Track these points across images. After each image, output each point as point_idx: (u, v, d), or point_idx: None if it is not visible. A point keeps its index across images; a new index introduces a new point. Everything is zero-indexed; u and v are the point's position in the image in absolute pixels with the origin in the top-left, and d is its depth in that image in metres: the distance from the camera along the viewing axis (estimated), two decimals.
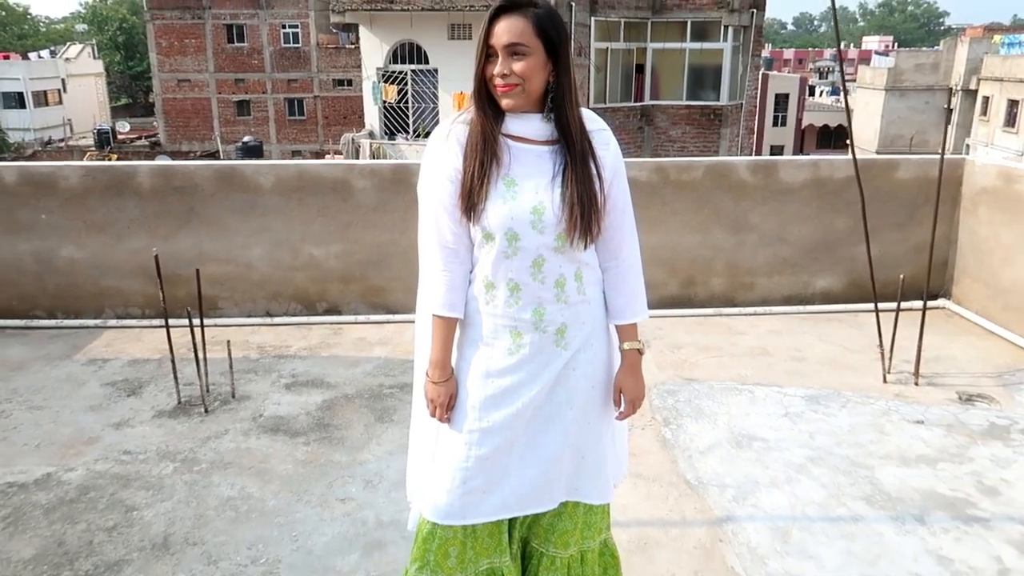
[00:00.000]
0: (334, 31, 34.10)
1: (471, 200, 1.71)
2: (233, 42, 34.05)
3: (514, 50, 1.67)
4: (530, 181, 1.73)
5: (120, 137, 38.74)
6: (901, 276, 3.92)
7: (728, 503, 2.78)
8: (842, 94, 4.30)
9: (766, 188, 4.75)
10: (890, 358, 3.87)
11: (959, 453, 3.13)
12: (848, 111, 4.08)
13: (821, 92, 55.70)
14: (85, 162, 5.06)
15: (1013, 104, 32.72)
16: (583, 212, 1.71)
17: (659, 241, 4.73)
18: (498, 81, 1.69)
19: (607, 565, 2.08)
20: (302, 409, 3.52)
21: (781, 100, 40.81)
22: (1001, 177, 4.48)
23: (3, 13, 64.18)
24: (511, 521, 1.96)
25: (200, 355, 3.51)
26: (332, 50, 33.51)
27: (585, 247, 1.77)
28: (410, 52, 14.45)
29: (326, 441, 3.23)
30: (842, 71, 3.97)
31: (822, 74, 74.49)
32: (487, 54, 1.70)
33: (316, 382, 3.80)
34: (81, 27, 67.60)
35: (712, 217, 4.75)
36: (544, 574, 1.99)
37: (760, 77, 19.04)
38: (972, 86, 35.77)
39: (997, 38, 37.93)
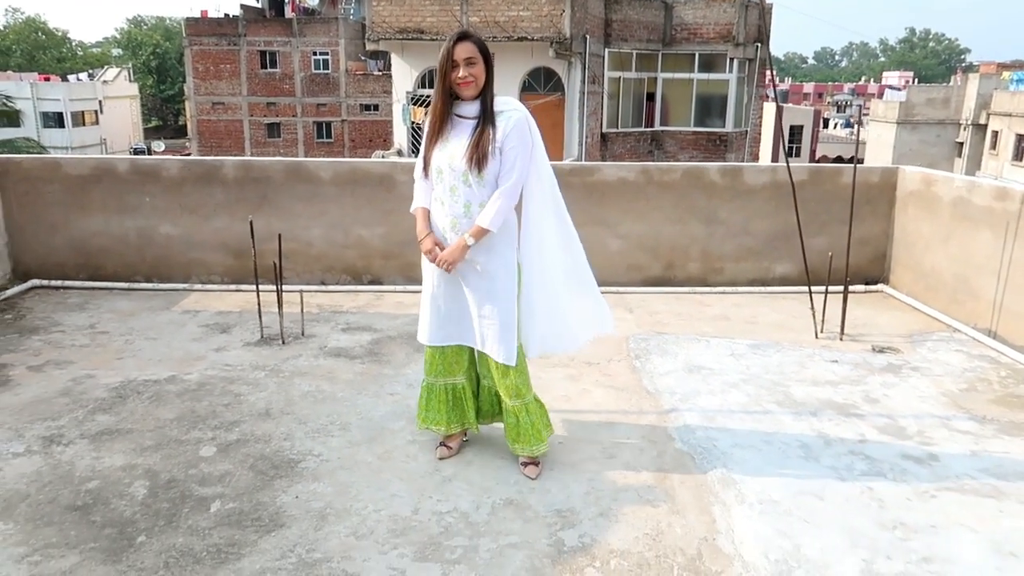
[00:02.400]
0: (363, 59, 35.74)
1: (426, 154, 2.89)
2: (266, 67, 35.75)
3: (469, 60, 2.79)
4: (457, 140, 2.84)
5: (155, 156, 40.41)
6: (830, 255, 4.90)
7: (675, 402, 3.77)
8: (856, 127, 5.32)
9: (733, 188, 5.77)
10: (822, 322, 4.84)
11: (858, 379, 4.10)
12: (777, 123, 5.04)
13: (835, 124, 56.67)
14: (182, 157, 6.17)
15: (1021, 138, 33.54)
16: (474, 156, 2.78)
17: (644, 230, 5.74)
18: (459, 79, 2.79)
19: (539, 410, 3.11)
20: (357, 343, 4.55)
21: (796, 131, 41.81)
22: (923, 182, 5.47)
23: (44, 37, 66.77)
24: (469, 357, 3.09)
25: (280, 302, 4.56)
26: (360, 76, 35.08)
27: (481, 177, 2.78)
28: None
29: (376, 362, 4.25)
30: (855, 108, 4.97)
31: (839, 107, 75.40)
32: (452, 65, 2.80)
33: (366, 327, 4.84)
34: (117, 51, 70.05)
35: (688, 212, 5.77)
36: (487, 400, 3.18)
37: (775, 109, 20.06)
38: (982, 121, 36.63)
39: (1006, 74, 38.84)
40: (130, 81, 54.02)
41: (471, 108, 2.84)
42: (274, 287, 4.57)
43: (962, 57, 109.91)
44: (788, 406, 3.74)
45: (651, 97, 18.04)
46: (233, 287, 5.63)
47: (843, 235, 5.81)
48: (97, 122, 46.23)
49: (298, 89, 35.63)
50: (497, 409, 3.19)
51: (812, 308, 4.83)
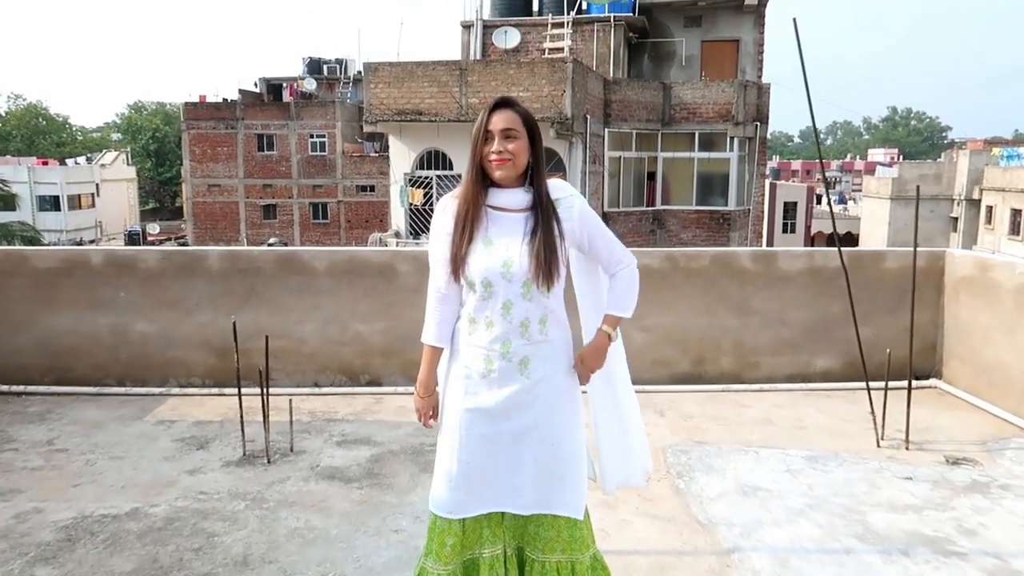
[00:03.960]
0: (359, 140, 36.00)
1: (457, 257, 2.24)
2: (263, 150, 35.92)
3: (508, 134, 2.23)
4: (503, 240, 2.24)
5: (150, 238, 40.26)
6: (888, 351, 4.36)
7: (735, 538, 3.15)
8: (825, 197, 4.84)
9: (766, 275, 5.28)
10: (882, 426, 4.26)
11: (943, 503, 3.50)
12: (831, 205, 4.59)
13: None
14: (164, 247, 5.68)
15: (1016, 213, 33.64)
16: (545, 263, 2.21)
17: (671, 322, 5.22)
18: (494, 157, 2.23)
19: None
20: (353, 461, 3.94)
21: (790, 208, 42.03)
22: (977, 267, 4.99)
23: (44, 123, 67.72)
24: (502, 524, 2.37)
25: (266, 413, 3.97)
26: (356, 158, 35.25)
27: (549, 290, 2.24)
28: (435, 159, 15.46)
29: (377, 486, 3.64)
30: (821, 176, 4.53)
31: (829, 184, 76.58)
32: (485, 138, 2.25)
33: (364, 440, 4.24)
34: (117, 136, 71.10)
35: (718, 301, 5.26)
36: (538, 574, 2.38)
37: (768, 186, 19.94)
38: (975, 196, 36.88)
39: (996, 150, 39.38)
40: (128, 164, 54.47)
41: (514, 197, 2.27)
42: (260, 391, 3.98)
43: (943, 135, 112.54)
44: (872, 541, 3.13)
45: (652, 176, 17.85)
46: (216, 391, 5.04)
47: (888, 325, 5.30)
48: (93, 205, 46.30)
49: (294, 171, 35.71)
50: None
51: (872, 412, 4.26)
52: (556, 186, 2.33)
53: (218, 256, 5.10)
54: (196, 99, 38.71)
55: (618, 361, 2.53)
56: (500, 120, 2.23)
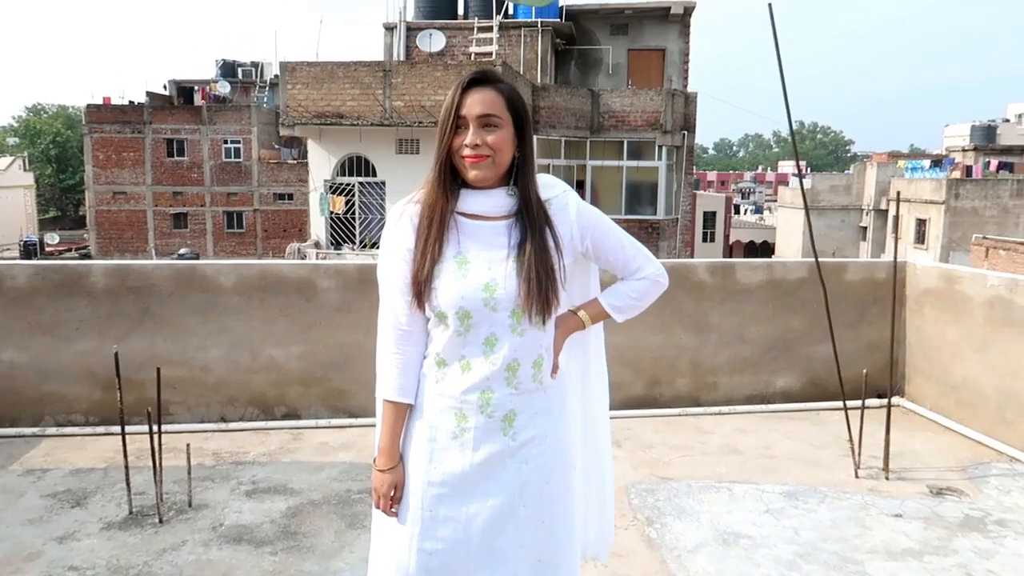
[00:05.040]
0: (276, 147, 34.66)
1: (420, 280, 1.67)
2: (173, 156, 34.17)
3: (487, 121, 1.67)
4: (482, 257, 1.69)
5: (48, 249, 37.78)
6: (864, 371, 4.01)
7: None
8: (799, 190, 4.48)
9: (724, 289, 4.89)
10: (859, 453, 3.90)
11: (942, 546, 3.12)
12: (807, 212, 4.25)
13: (745, 210, 58.73)
14: (36, 261, 4.88)
15: (921, 223, 35.15)
16: (539, 287, 1.67)
17: (623, 341, 4.76)
18: (468, 152, 1.67)
19: None
20: (265, 517, 3.30)
21: (709, 217, 42.84)
22: (943, 279, 4.72)
23: None
24: None
25: (157, 461, 3.29)
26: (274, 165, 33.92)
27: (545, 323, 1.71)
28: (358, 165, 14.73)
29: (295, 550, 3.02)
30: (800, 179, 4.18)
31: (744, 194, 79.04)
32: (456, 125, 1.68)
33: (279, 488, 3.60)
34: (13, 140, 66.96)
35: (674, 317, 4.83)
36: None
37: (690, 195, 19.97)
38: (882, 206, 38.40)
39: (901, 163, 41.07)
40: (25, 170, 51.16)
41: (493, 201, 1.72)
42: (149, 431, 3.30)
43: (847, 148, 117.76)
44: None
45: (581, 185, 17.55)
46: (102, 429, 4.29)
47: (849, 340, 4.98)
48: None
49: (207, 178, 34.05)
50: None
51: (850, 439, 3.89)
52: (543, 183, 1.79)
53: (103, 272, 4.36)
54: (100, 101, 36.53)
55: (597, 399, 2.02)
56: (477, 102, 1.67)
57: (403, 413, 1.75)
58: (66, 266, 4.39)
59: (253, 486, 3.62)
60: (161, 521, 3.23)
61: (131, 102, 36.41)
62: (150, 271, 4.40)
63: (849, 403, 3.98)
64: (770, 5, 3.34)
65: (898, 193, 4.11)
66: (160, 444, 3.36)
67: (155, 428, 3.28)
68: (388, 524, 1.78)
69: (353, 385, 4.51)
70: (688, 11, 19.39)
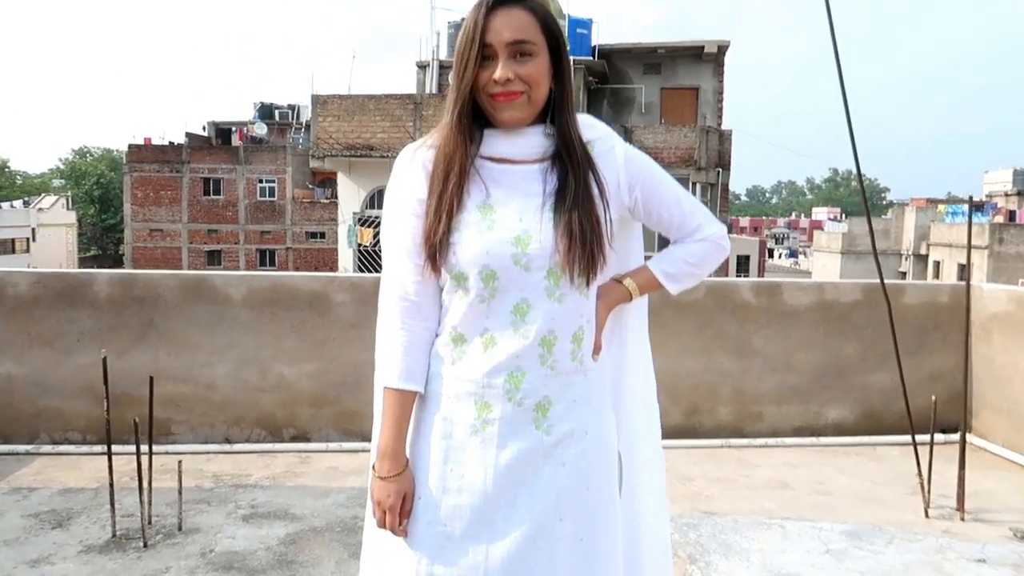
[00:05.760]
0: (310, 186, 35.05)
1: (435, 236, 1.36)
2: (209, 194, 34.70)
3: (519, 49, 1.36)
4: (511, 207, 1.38)
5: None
6: (934, 399, 3.59)
7: None
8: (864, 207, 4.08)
9: (770, 311, 4.51)
10: (928, 491, 3.46)
11: None
12: (870, 222, 3.87)
13: (779, 255, 58.03)
14: (37, 269, 4.67)
15: (962, 268, 34.21)
16: (583, 240, 1.35)
17: (659, 366, 4.33)
18: (497, 89, 1.36)
19: None
20: (261, 544, 2.96)
21: (743, 261, 42.20)
22: (1014, 302, 4.30)
23: None
24: None
25: (144, 482, 2.99)
26: (307, 204, 34.25)
27: (589, 285, 1.40)
28: None
29: None
30: (862, 186, 3.83)
31: (778, 239, 78.29)
32: (481, 56, 1.36)
33: (279, 513, 3.26)
34: (58, 182, 68.89)
35: (715, 340, 4.46)
36: None
37: None
38: (922, 251, 37.53)
39: (941, 207, 40.25)
40: (68, 209, 52.44)
41: (526, 142, 1.41)
42: (136, 450, 3.01)
43: (882, 195, 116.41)
44: None
45: None
46: (99, 448, 4.00)
47: (908, 368, 4.53)
48: (28, 250, 44.22)
49: (242, 216, 34.46)
50: None
51: (920, 474, 3.46)
52: (583, 123, 1.47)
53: (107, 281, 4.13)
54: (141, 142, 37.39)
55: (639, 392, 1.65)
56: (506, 26, 1.35)
57: (410, 404, 1.42)
58: (69, 274, 4.17)
59: (252, 510, 3.29)
60: (146, 545, 2.91)
61: (171, 143, 37.22)
62: (156, 281, 4.16)
63: (916, 439, 3.55)
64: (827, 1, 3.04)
65: (970, 198, 3.72)
66: (151, 462, 3.08)
67: (143, 447, 2.99)
68: (388, 547, 1.45)
69: (367, 407, 4.15)
70: (722, 50, 19.24)
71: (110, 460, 3.01)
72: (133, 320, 4.10)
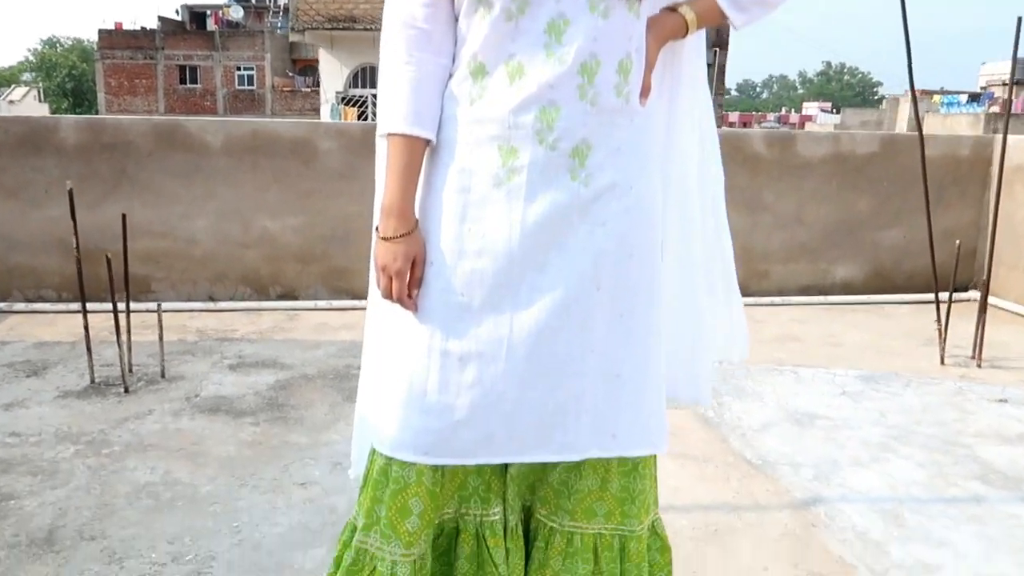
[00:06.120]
0: (290, 75, 33.73)
1: None
2: (185, 83, 33.38)
3: None
4: None
5: None
6: (958, 243, 3.41)
7: (809, 483, 2.15)
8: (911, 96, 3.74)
9: (782, 163, 4.26)
10: (944, 340, 3.33)
11: None
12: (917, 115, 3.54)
13: None
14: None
15: None
16: None
17: None
18: None
19: (655, 560, 1.43)
20: (250, 389, 2.80)
21: None
22: None
23: None
24: (504, 470, 1.32)
25: (123, 335, 2.80)
26: (287, 93, 33.05)
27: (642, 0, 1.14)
28: (371, 76, 13.96)
29: (280, 421, 2.52)
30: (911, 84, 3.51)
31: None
32: None
33: (267, 363, 3.10)
34: (28, 75, 66.18)
35: (725, 194, 4.23)
36: (557, 561, 1.33)
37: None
38: None
39: (936, 98, 39.44)
40: (40, 101, 50.62)
41: None
42: (111, 299, 2.80)
43: (875, 90, 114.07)
44: (1001, 485, 2.17)
45: None
46: (76, 306, 3.79)
47: (923, 226, 4.36)
48: None
49: (220, 106, 33.26)
50: None
51: (939, 322, 3.32)
52: None
53: (74, 126, 3.80)
54: (112, 27, 35.62)
55: (707, 139, 1.41)
56: None
57: (419, 154, 1.17)
58: (31, 119, 3.85)
59: (238, 360, 3.12)
60: (126, 391, 2.74)
61: (143, 28, 35.49)
62: (127, 127, 3.84)
63: (927, 296, 3.40)
64: None
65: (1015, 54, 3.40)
66: (128, 318, 2.88)
67: (120, 303, 2.77)
68: (393, 324, 1.24)
69: (357, 263, 3.97)
70: None
71: (85, 317, 2.80)
72: (104, 169, 3.81)
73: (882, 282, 4.42)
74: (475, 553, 1.35)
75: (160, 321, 2.93)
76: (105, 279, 2.84)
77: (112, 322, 2.80)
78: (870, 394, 2.87)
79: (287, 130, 3.93)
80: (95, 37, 36.94)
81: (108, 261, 2.79)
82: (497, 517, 1.34)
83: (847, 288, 4.42)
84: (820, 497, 2.07)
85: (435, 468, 1.23)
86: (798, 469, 2.23)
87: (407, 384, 1.21)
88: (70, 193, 2.68)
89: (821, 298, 4.32)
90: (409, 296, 1.19)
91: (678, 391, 1.46)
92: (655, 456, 1.38)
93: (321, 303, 3.94)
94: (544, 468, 1.36)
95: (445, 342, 1.18)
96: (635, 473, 1.33)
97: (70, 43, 70.54)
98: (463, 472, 1.31)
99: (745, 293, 4.41)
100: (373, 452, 1.28)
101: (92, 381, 2.82)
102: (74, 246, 2.73)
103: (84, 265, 3.13)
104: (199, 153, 3.85)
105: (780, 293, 4.33)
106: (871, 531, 1.90)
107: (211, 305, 3.89)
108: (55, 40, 70.78)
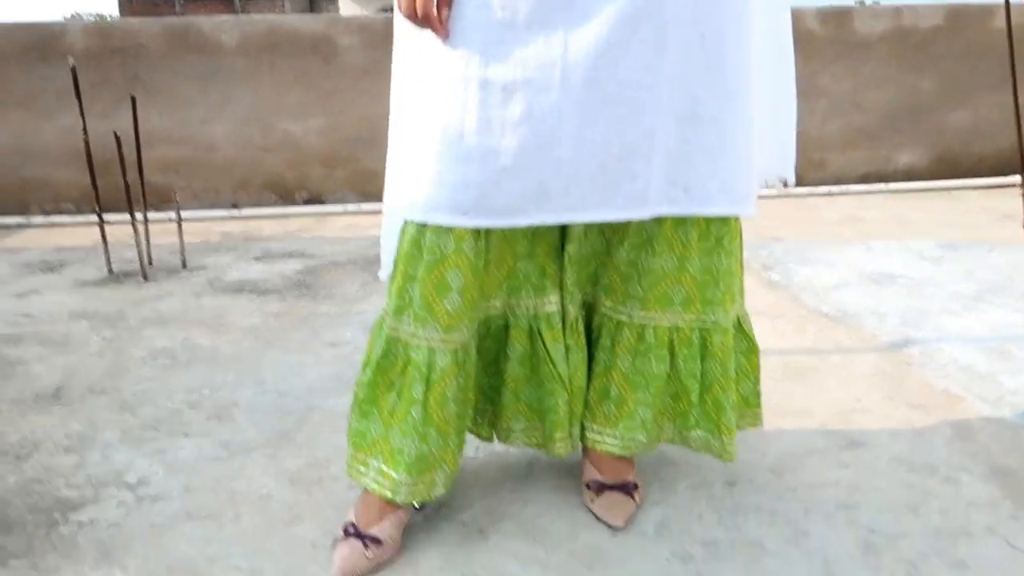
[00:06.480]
0: None
1: None
2: None
3: None
4: None
5: None
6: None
7: (897, 328, 1.91)
8: None
9: (838, 42, 3.93)
10: None
11: None
12: None
13: None
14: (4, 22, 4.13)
15: None
16: None
17: None
18: None
19: (741, 364, 1.21)
20: (275, 273, 2.63)
21: None
22: None
23: None
24: (560, 253, 1.12)
25: (141, 236, 2.64)
26: None
27: None
28: None
29: (308, 297, 2.34)
30: None
31: None
32: None
33: (295, 254, 2.92)
34: None
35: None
36: (625, 361, 1.12)
37: None
38: None
39: None
40: None
41: None
42: (127, 198, 2.63)
43: None
44: None
45: None
46: (95, 219, 3.64)
47: (992, 106, 4.02)
48: None
49: None
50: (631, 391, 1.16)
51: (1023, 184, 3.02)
52: None
53: (82, 31, 3.62)
54: None
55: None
56: None
57: None
58: (36, 25, 3.65)
59: (264, 254, 2.95)
60: (145, 278, 2.58)
61: None
62: (136, 29, 3.64)
63: (1000, 180, 3.09)
64: None
65: None
66: (145, 209, 2.71)
67: (136, 197, 2.59)
68: (421, 65, 1.02)
69: (384, 165, 3.75)
70: None
71: (100, 216, 2.63)
72: (116, 75, 3.62)
73: (949, 167, 4.09)
74: (529, 353, 1.14)
75: (179, 218, 2.75)
76: (123, 189, 2.67)
77: (131, 230, 2.64)
78: (953, 258, 2.60)
79: (305, 25, 3.70)
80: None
81: (122, 166, 2.62)
82: (554, 308, 1.13)
83: (910, 175, 4.10)
84: (912, 339, 1.83)
85: (477, 235, 1.02)
86: (883, 318, 1.99)
87: (440, 130, 1.00)
88: (75, 76, 2.48)
89: (882, 185, 4.01)
90: (439, 17, 0.97)
91: (760, 161, 1.23)
92: (741, 234, 1.16)
93: (350, 207, 3.75)
94: (608, 247, 1.14)
95: (484, 69, 0.96)
96: (719, 250, 1.11)
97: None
98: (511, 254, 1.10)
99: (800, 183, 4.07)
100: (404, 225, 1.07)
101: (110, 271, 2.66)
102: (99, 159, 2.56)
103: (102, 176, 2.97)
104: (213, 54, 3.64)
105: (838, 182, 4.03)
106: (976, 365, 1.66)
107: (235, 212, 3.71)
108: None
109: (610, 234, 1.12)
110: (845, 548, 1.08)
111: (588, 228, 1.12)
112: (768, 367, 1.69)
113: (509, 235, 1.07)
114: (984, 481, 1.23)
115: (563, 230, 1.11)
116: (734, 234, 1.12)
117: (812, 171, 4.01)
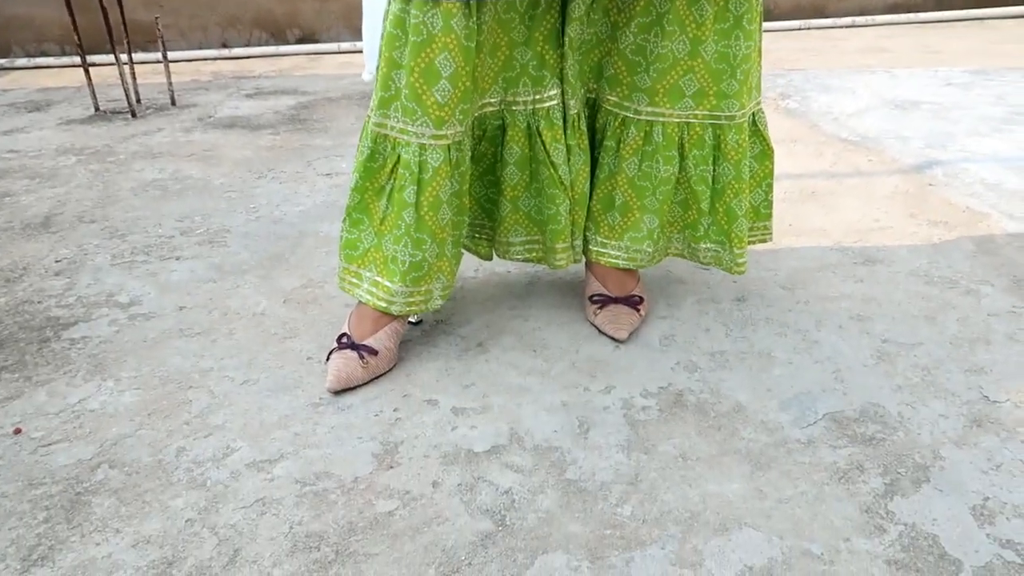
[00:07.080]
0: None
1: None
2: None
3: None
4: None
5: None
6: None
7: (920, 151, 1.82)
8: None
9: None
10: None
11: None
12: None
13: None
14: None
15: None
16: None
17: None
18: None
19: (753, 168, 1.13)
20: (268, 109, 2.51)
21: None
22: None
23: None
24: (559, 39, 1.01)
25: (127, 76, 2.48)
26: None
27: None
28: None
29: (302, 131, 2.24)
30: None
31: None
32: None
33: (288, 91, 2.78)
34: None
35: None
36: (631, 162, 1.04)
37: None
38: None
39: None
40: None
41: None
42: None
43: None
44: None
45: None
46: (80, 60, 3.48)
47: None
48: None
49: None
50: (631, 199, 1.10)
51: None
52: None
53: None
54: None
55: None
56: None
57: None
58: None
59: (256, 91, 2.81)
60: (134, 115, 2.47)
61: None
62: None
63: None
64: None
65: None
66: (129, 48, 2.54)
67: (119, 36, 2.42)
68: None
69: None
70: None
71: (82, 52, 2.47)
72: None
73: None
74: (528, 156, 1.06)
75: (164, 51, 2.59)
76: (109, 29, 2.49)
77: (117, 71, 2.49)
78: (982, 83, 2.45)
79: None
80: None
81: (102, 4, 2.43)
82: (555, 102, 1.03)
83: (941, 3, 3.83)
84: (936, 160, 1.74)
85: (467, 10, 0.91)
86: (906, 141, 1.89)
87: None
88: None
89: (911, 16, 3.76)
90: None
91: None
92: (761, 15, 1.04)
93: (345, 45, 3.56)
94: (613, 30, 1.03)
95: None
96: (737, 31, 1.00)
97: None
98: (507, 40, 1.00)
99: (820, 14, 3.84)
100: (388, 5, 0.96)
101: (97, 109, 2.55)
102: None
103: (83, 12, 2.79)
104: None
105: (862, 13, 3.78)
106: (1005, 183, 1.58)
107: (225, 52, 3.53)
108: None
109: (615, 15, 1.02)
110: (858, 356, 1.05)
111: (591, 8, 1.00)
112: (781, 190, 1.62)
113: (503, 15, 0.97)
114: (1006, 292, 1.18)
115: (563, 13, 1.00)
116: (754, 13, 1.01)
117: (835, 1, 3.75)
